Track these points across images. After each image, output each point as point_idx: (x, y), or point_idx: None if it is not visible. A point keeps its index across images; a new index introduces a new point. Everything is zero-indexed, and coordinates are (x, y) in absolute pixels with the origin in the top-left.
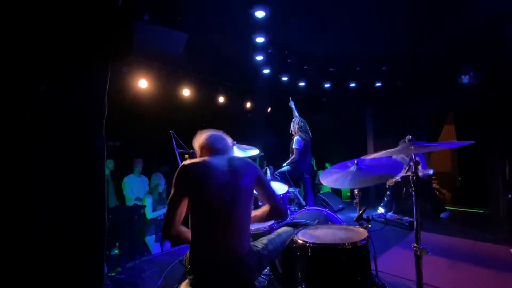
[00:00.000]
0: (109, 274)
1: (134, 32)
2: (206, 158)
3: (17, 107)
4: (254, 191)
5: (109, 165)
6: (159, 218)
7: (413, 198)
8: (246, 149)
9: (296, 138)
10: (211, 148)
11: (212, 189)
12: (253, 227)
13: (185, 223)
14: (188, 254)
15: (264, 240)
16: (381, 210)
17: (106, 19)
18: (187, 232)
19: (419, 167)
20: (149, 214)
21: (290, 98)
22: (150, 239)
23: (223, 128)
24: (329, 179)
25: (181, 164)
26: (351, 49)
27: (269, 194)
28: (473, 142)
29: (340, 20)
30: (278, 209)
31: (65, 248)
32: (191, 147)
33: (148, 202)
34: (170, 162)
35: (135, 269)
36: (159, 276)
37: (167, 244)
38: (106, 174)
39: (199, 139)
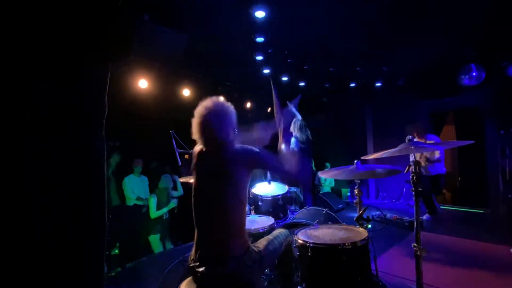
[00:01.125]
0: (109, 274)
1: (134, 32)
2: (200, 151)
3: (17, 107)
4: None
5: (116, 159)
6: (164, 218)
7: (413, 198)
8: None
9: (292, 138)
10: (200, 137)
11: (197, 186)
12: (253, 227)
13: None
14: (193, 247)
15: (263, 241)
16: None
17: (106, 19)
18: None
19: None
20: (153, 213)
21: (288, 103)
22: (154, 238)
23: None
24: (328, 174)
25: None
26: (351, 49)
27: (271, 168)
28: (473, 142)
29: (340, 19)
30: (288, 177)
31: (65, 248)
32: (191, 147)
33: (152, 201)
34: (170, 162)
35: (135, 269)
36: (159, 276)
37: (170, 244)
38: (108, 173)
39: (193, 126)
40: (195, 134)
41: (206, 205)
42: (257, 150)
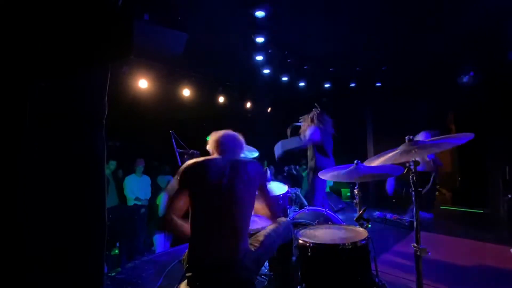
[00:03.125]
0: (109, 274)
1: (134, 32)
2: (208, 158)
3: (17, 107)
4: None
5: (111, 166)
6: None
7: (413, 198)
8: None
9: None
10: (218, 148)
11: (208, 189)
12: (253, 227)
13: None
14: (186, 253)
15: (260, 237)
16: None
17: (106, 19)
18: (182, 225)
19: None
20: (161, 211)
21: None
22: (158, 237)
23: (223, 128)
24: (327, 175)
25: (185, 163)
26: (351, 49)
27: (267, 203)
28: (472, 135)
29: (340, 20)
30: (274, 215)
31: (65, 248)
32: (191, 147)
33: (163, 200)
34: (170, 162)
35: (135, 269)
36: (159, 276)
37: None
38: (107, 174)
39: (211, 140)
40: (213, 144)
41: (217, 209)
42: (265, 173)
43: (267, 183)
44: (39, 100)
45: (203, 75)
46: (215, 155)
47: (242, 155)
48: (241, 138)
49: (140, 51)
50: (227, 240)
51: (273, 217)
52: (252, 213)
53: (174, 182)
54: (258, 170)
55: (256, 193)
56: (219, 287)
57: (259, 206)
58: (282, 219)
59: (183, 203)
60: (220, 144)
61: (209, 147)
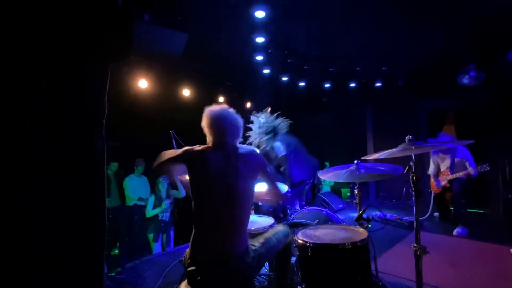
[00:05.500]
0: (109, 274)
1: (134, 32)
2: (208, 148)
3: (16, 107)
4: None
5: (113, 167)
6: (160, 218)
7: (413, 198)
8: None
9: (277, 143)
10: (215, 131)
11: (207, 183)
12: (253, 227)
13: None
14: (186, 252)
15: (261, 239)
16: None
17: (106, 19)
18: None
19: (468, 165)
20: (148, 212)
21: None
22: (150, 238)
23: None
24: (327, 175)
25: (188, 148)
26: (351, 49)
27: (270, 184)
28: (472, 141)
29: (340, 20)
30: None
31: (64, 248)
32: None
33: (151, 201)
34: None
35: (135, 269)
36: (159, 276)
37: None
38: (108, 174)
39: (204, 118)
40: (211, 129)
41: (217, 203)
42: (265, 160)
43: (268, 168)
44: (39, 100)
45: (203, 75)
46: (211, 143)
47: (239, 138)
48: (236, 117)
49: (140, 51)
50: (227, 235)
51: (278, 195)
52: (252, 213)
53: (175, 152)
54: (257, 161)
55: (254, 185)
56: (219, 280)
57: (263, 193)
58: (282, 227)
59: (176, 167)
60: (214, 124)
61: (203, 125)
